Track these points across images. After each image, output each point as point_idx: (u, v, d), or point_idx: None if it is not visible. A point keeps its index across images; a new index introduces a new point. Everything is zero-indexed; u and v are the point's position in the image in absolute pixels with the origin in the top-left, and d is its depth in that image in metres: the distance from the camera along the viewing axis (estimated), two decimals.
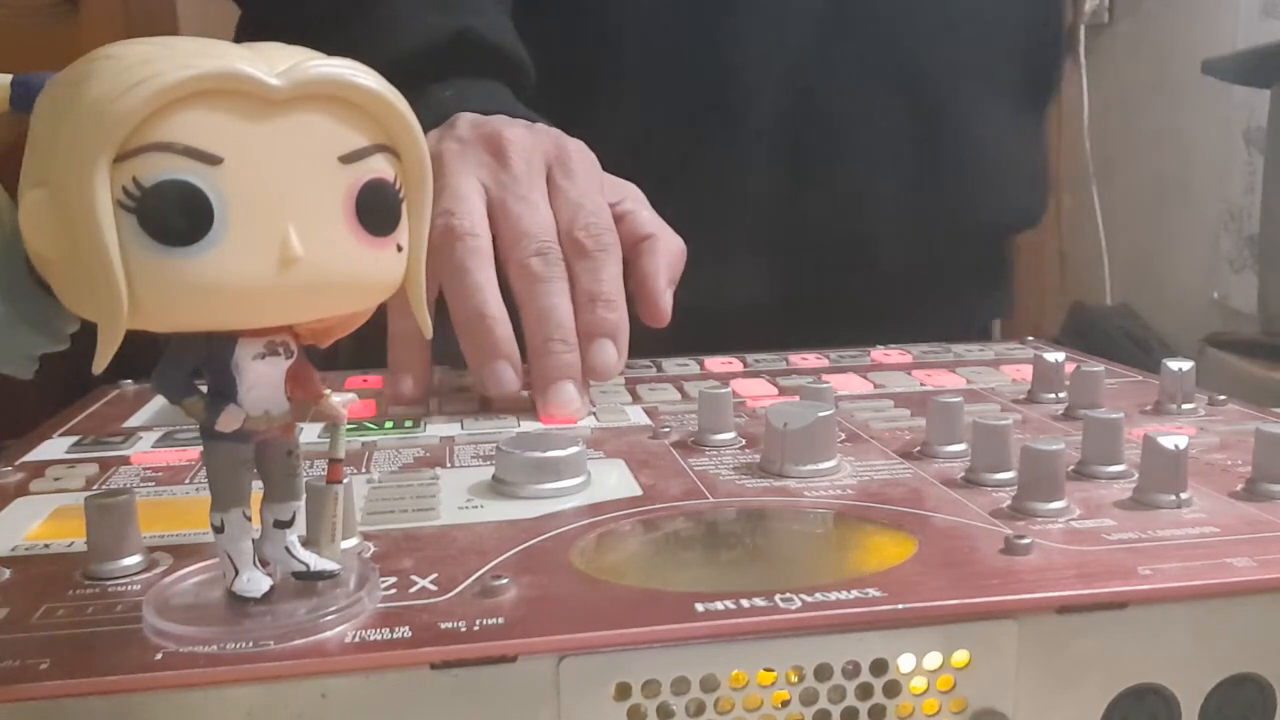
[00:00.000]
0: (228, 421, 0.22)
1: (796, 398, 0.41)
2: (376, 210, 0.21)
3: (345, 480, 0.25)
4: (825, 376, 0.48)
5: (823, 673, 0.24)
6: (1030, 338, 0.58)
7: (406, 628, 0.23)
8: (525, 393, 0.44)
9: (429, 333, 0.25)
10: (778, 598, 0.24)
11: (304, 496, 0.24)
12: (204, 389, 0.22)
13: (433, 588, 0.25)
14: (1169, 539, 0.28)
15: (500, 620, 0.23)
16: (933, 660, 0.24)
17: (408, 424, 0.41)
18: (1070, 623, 0.25)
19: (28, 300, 0.22)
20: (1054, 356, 0.45)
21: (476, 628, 0.23)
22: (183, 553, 0.27)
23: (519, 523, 0.30)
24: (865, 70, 0.63)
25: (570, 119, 0.52)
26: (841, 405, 0.42)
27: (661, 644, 0.23)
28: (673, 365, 0.52)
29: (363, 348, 0.46)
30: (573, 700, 0.23)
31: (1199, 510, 0.30)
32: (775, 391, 0.47)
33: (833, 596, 0.24)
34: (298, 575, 0.24)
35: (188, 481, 0.35)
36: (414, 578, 0.26)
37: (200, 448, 0.23)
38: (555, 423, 0.41)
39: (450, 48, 0.54)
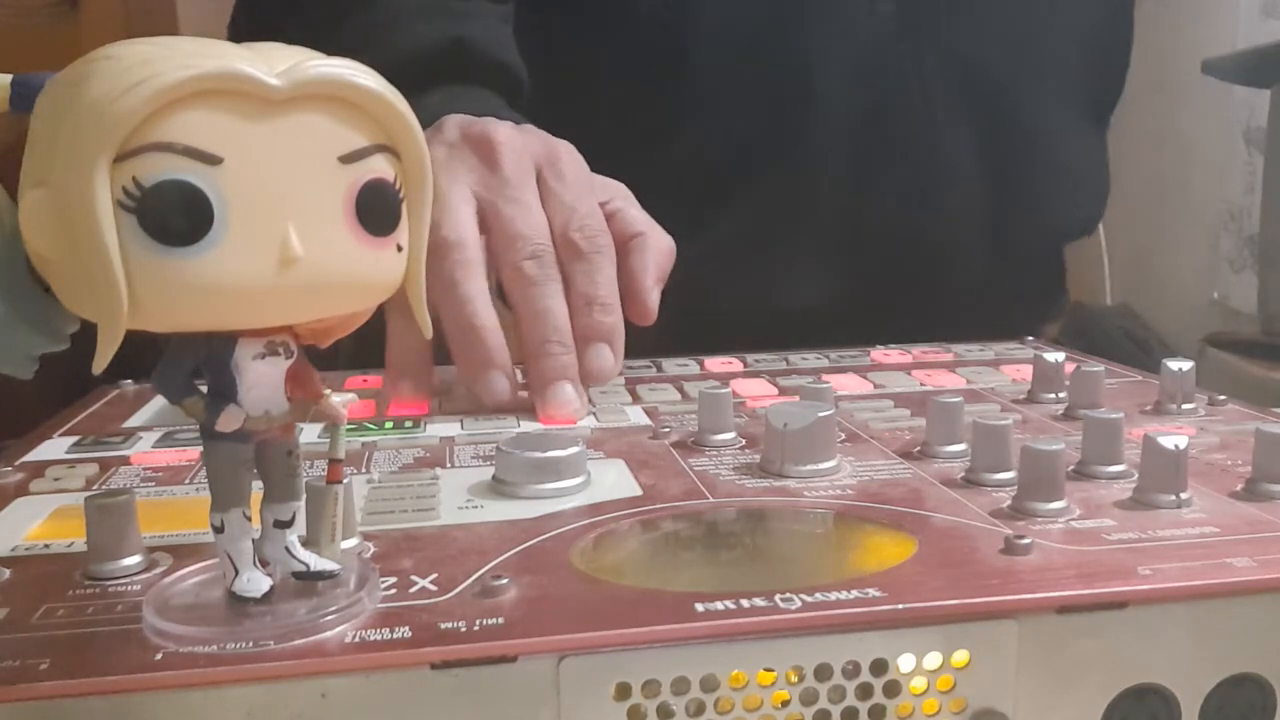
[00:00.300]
0: (228, 421, 0.22)
1: (796, 398, 0.41)
2: (376, 210, 0.21)
3: (345, 480, 0.25)
4: (825, 376, 0.48)
5: (823, 673, 0.24)
6: (1030, 338, 0.58)
7: (406, 628, 0.23)
8: (524, 393, 0.44)
9: (429, 333, 0.25)
10: (778, 598, 0.24)
11: (304, 496, 0.24)
12: (204, 389, 0.22)
13: (433, 588, 0.25)
14: (1169, 539, 0.28)
15: (500, 620, 0.23)
16: (933, 660, 0.24)
17: (408, 424, 0.41)
18: (1070, 623, 0.25)
19: (28, 300, 0.22)
20: (1054, 356, 0.45)
21: (476, 628, 0.23)
22: (183, 553, 0.27)
23: (519, 523, 0.30)
24: (936, 76, 0.63)
25: (638, 126, 0.52)
26: (841, 405, 0.42)
27: (661, 644, 0.23)
28: (673, 365, 0.52)
29: (363, 348, 0.46)
30: (573, 700, 0.23)
31: (1199, 510, 0.30)
32: (775, 391, 0.46)
33: (833, 596, 0.24)
34: (298, 575, 0.24)
35: (188, 481, 0.35)
36: (414, 578, 0.26)
37: (200, 448, 0.23)
38: (554, 423, 0.41)
39: (444, 56, 0.54)
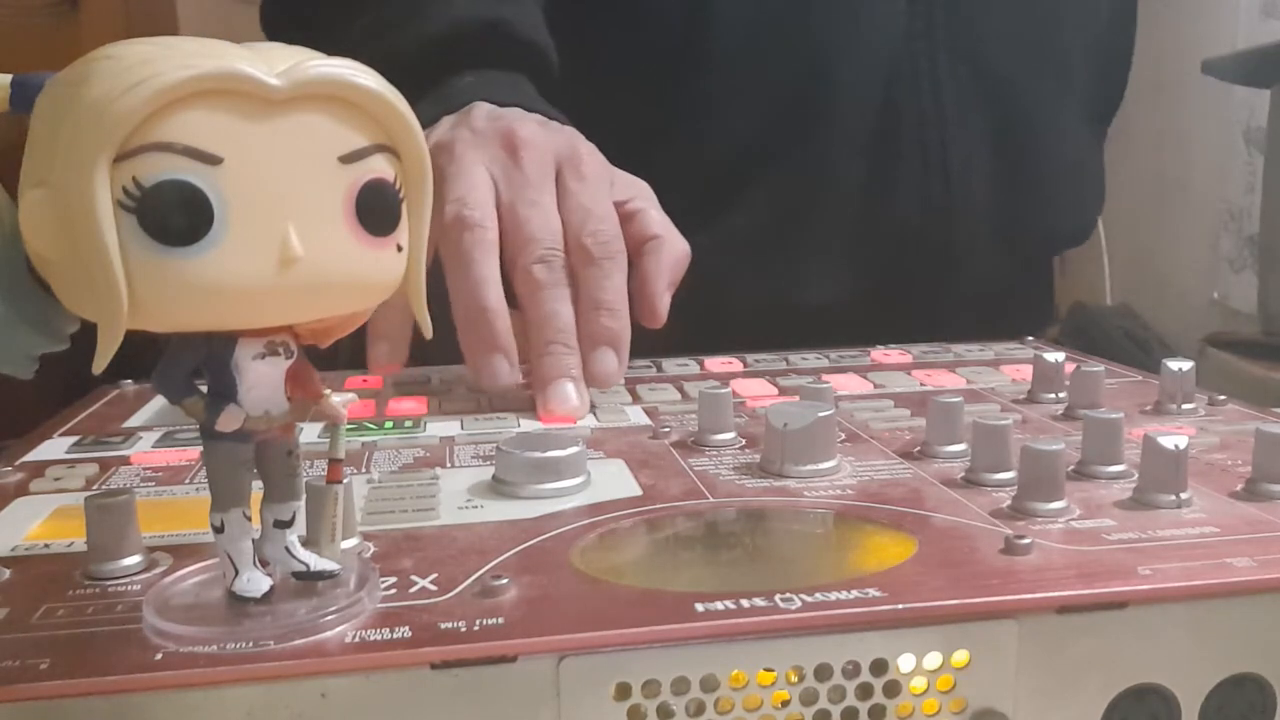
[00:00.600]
0: (228, 421, 0.22)
1: (796, 398, 0.41)
2: (376, 210, 0.21)
3: (345, 480, 0.25)
4: (825, 376, 0.48)
5: (823, 673, 0.24)
6: (1030, 338, 0.59)
7: (406, 628, 0.23)
8: (526, 391, 0.44)
9: (429, 334, 0.25)
10: (778, 598, 0.24)
11: (304, 496, 0.24)
12: (204, 389, 0.22)
13: (433, 588, 0.25)
14: (1169, 539, 0.28)
15: (500, 620, 0.23)
16: (933, 660, 0.24)
17: (408, 424, 0.41)
18: (1070, 623, 0.25)
19: (28, 300, 0.22)
20: (1054, 356, 0.45)
21: (476, 628, 0.23)
22: (183, 553, 0.27)
23: (519, 523, 0.30)
24: (949, 76, 0.64)
25: (651, 119, 0.52)
26: (841, 405, 0.42)
27: (661, 644, 0.23)
28: (673, 365, 0.52)
29: (363, 348, 0.46)
30: (573, 700, 0.23)
31: (1199, 510, 0.30)
32: (775, 391, 0.46)
33: (833, 596, 0.24)
34: (298, 575, 0.24)
35: (188, 481, 0.35)
36: (414, 578, 0.26)
37: (200, 448, 0.23)
38: (555, 422, 0.41)
39: (479, 37, 0.54)
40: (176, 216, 0.19)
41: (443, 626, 0.23)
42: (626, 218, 0.47)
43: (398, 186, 0.22)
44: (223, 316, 0.21)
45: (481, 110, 0.49)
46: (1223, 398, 0.43)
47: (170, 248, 0.19)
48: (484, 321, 0.43)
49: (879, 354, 0.55)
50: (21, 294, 0.22)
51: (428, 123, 0.48)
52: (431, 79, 0.51)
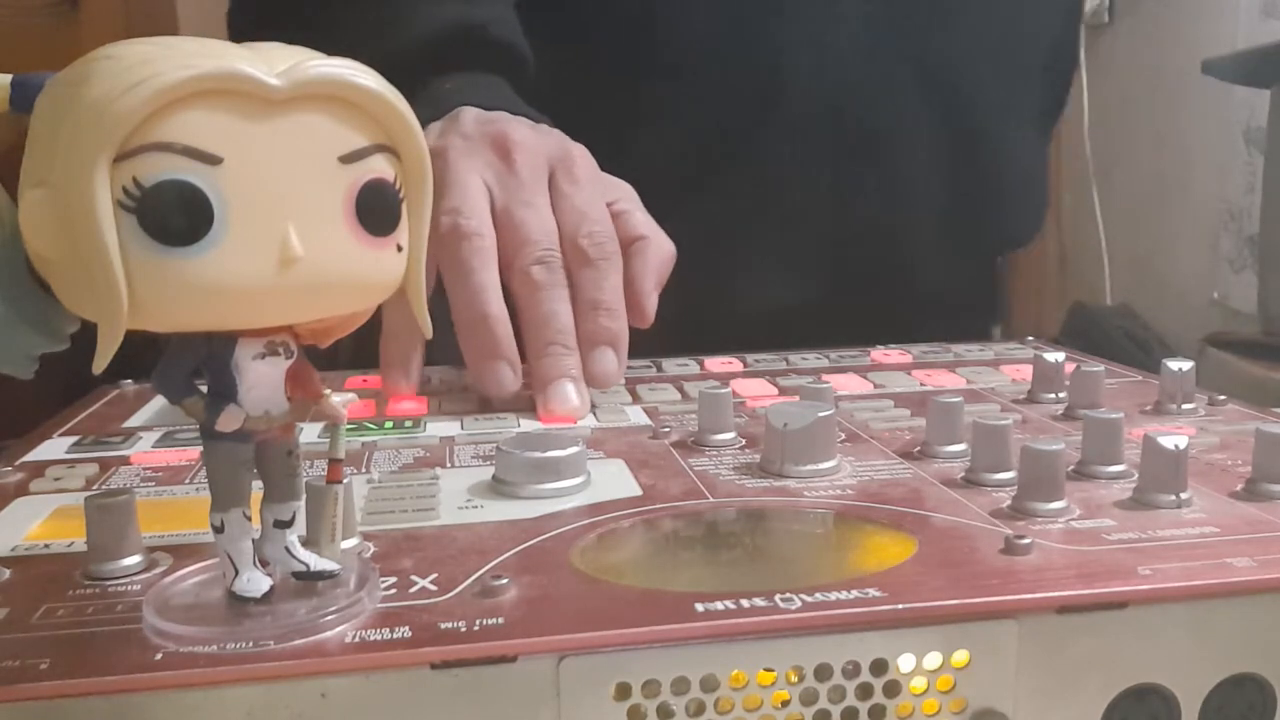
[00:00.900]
0: (228, 421, 0.22)
1: (796, 398, 0.41)
2: (376, 210, 0.21)
3: (345, 480, 0.25)
4: (825, 376, 0.48)
5: (823, 673, 0.24)
6: (1030, 338, 0.58)
7: (406, 628, 0.23)
8: (526, 391, 0.44)
9: (429, 333, 0.25)
10: (778, 598, 0.24)
11: (304, 496, 0.24)
12: (204, 389, 0.22)
13: (433, 588, 0.25)
14: (1169, 539, 0.28)
15: (500, 620, 0.23)
16: (933, 660, 0.24)
17: (408, 424, 0.41)
18: (1070, 623, 0.25)
19: (28, 300, 0.22)
20: (1054, 356, 0.45)
21: (476, 628, 0.23)
22: (183, 553, 0.27)
23: (519, 523, 0.30)
24: (902, 81, 0.64)
25: (606, 121, 0.52)
26: (841, 405, 0.42)
27: (661, 644, 0.23)
28: (673, 365, 0.52)
29: (363, 348, 0.46)
30: (573, 700, 0.23)
31: (1199, 510, 0.30)
32: (775, 391, 0.46)
33: (833, 596, 0.24)
34: (298, 575, 0.24)
35: (188, 481, 0.35)
36: (414, 578, 0.26)
37: (200, 448, 0.23)
38: (555, 422, 0.41)
39: (458, 41, 0.54)
40: (176, 216, 0.19)
41: (443, 626, 0.23)
42: (612, 218, 0.48)
43: (398, 186, 0.22)
44: (223, 316, 0.21)
45: (469, 115, 0.49)
46: (1223, 398, 0.43)
47: (170, 248, 0.19)
48: (486, 329, 0.43)
49: (879, 354, 0.55)
50: (21, 294, 0.22)
51: None
52: (413, 84, 0.51)
